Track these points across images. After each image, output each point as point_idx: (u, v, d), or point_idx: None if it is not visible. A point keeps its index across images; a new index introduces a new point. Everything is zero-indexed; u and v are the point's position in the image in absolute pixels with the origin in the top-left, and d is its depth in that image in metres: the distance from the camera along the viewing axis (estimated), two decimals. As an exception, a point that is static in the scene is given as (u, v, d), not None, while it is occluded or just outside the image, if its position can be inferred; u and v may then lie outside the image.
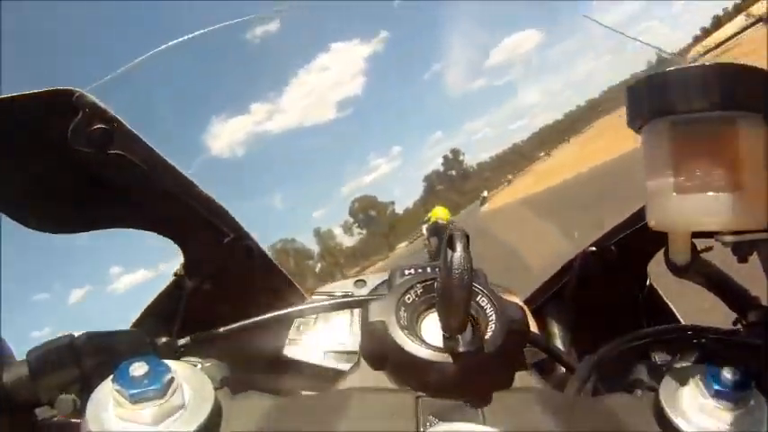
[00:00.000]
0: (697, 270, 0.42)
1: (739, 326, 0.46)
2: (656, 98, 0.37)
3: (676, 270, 0.42)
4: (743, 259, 0.40)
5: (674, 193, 0.37)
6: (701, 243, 0.43)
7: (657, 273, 0.65)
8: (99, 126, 0.45)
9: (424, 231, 9.77)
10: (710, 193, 0.36)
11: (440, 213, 9.68)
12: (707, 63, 0.37)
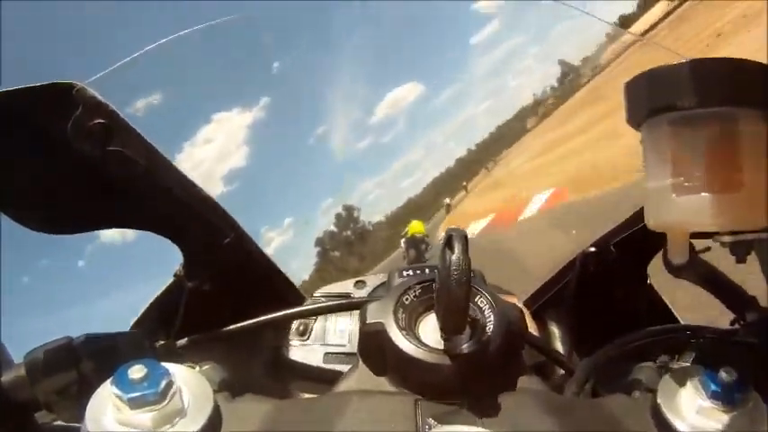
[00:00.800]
0: (695, 270, 0.42)
1: (737, 326, 0.46)
2: (656, 94, 0.37)
3: (674, 270, 0.42)
4: (741, 259, 0.40)
5: (673, 194, 0.37)
6: (699, 243, 0.43)
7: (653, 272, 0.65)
8: (99, 121, 0.44)
9: (402, 245, 10.66)
10: (709, 194, 0.36)
11: (416, 228, 10.81)
12: (707, 58, 0.36)
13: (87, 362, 0.37)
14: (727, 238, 0.39)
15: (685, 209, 0.37)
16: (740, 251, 0.40)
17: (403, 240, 10.86)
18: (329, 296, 0.69)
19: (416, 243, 10.31)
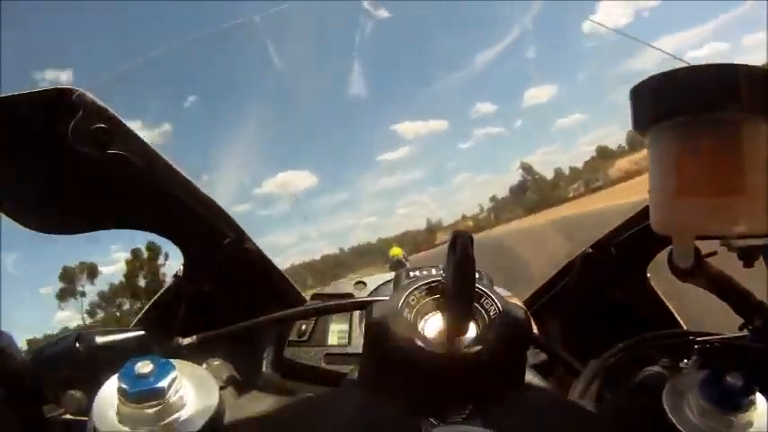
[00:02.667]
0: (701, 274, 0.42)
1: (745, 331, 0.46)
2: (660, 100, 0.37)
3: (680, 274, 0.42)
4: (749, 264, 0.40)
5: (678, 197, 0.37)
6: (705, 246, 0.43)
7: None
8: (99, 125, 0.44)
9: (389, 267, 11.13)
10: (713, 198, 0.36)
11: (396, 252, 10.99)
12: (711, 64, 0.36)
13: (94, 356, 0.37)
14: (735, 243, 0.38)
15: (690, 212, 0.37)
16: (748, 255, 0.39)
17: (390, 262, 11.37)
18: (329, 297, 0.69)
19: (398, 263, 10.58)
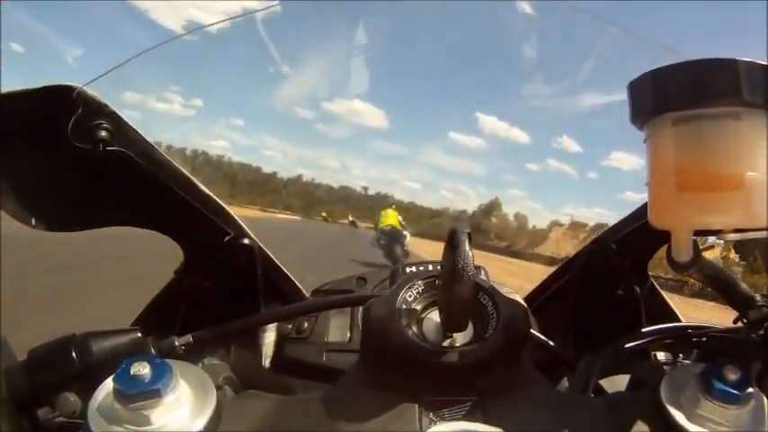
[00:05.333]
0: (699, 268, 0.42)
1: (740, 324, 0.46)
2: (659, 94, 0.37)
3: (678, 268, 0.42)
4: (745, 257, 0.40)
5: (677, 192, 0.37)
6: (703, 241, 0.43)
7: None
8: (99, 122, 0.44)
9: (376, 240, 9.76)
10: (713, 192, 0.36)
11: (391, 218, 9.74)
12: (709, 58, 0.36)
13: (89, 359, 0.37)
14: (731, 236, 0.38)
15: (689, 206, 0.37)
16: (744, 249, 0.39)
17: (377, 234, 9.80)
18: (330, 293, 0.69)
19: (391, 238, 9.24)
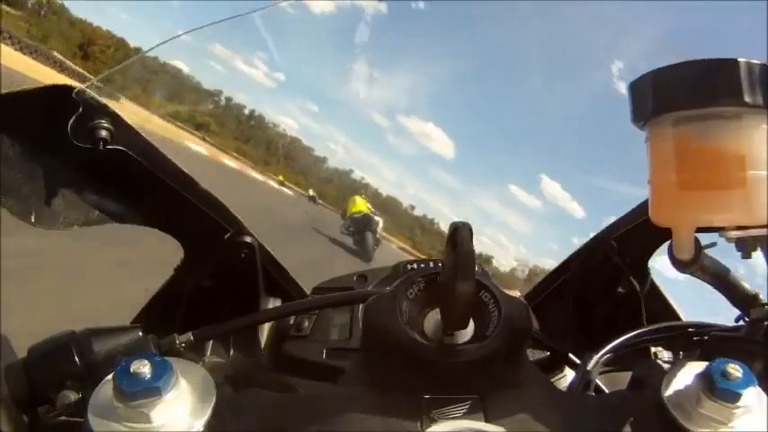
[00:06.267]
0: (700, 266, 0.42)
1: (742, 323, 0.46)
2: (660, 94, 0.37)
3: (680, 266, 0.42)
4: (747, 255, 0.40)
5: (679, 190, 0.37)
6: (704, 239, 0.43)
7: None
8: (99, 121, 0.45)
9: (344, 229, 9.15)
10: (715, 190, 0.36)
11: (359, 206, 9.18)
12: (711, 58, 0.36)
13: (90, 356, 0.36)
14: (733, 234, 0.38)
15: (690, 204, 0.37)
16: (746, 247, 0.40)
17: (345, 222, 9.13)
18: (330, 291, 0.69)
19: (362, 225, 8.60)
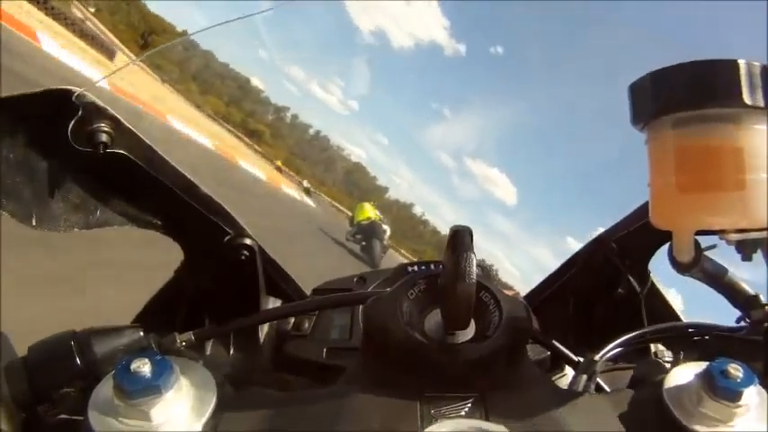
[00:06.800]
0: (701, 268, 0.42)
1: (742, 323, 0.46)
2: (660, 96, 0.37)
3: (680, 268, 0.42)
4: (747, 257, 0.40)
5: (679, 192, 0.37)
6: (704, 241, 0.43)
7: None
8: (99, 125, 0.45)
9: (350, 236, 8.98)
10: (715, 192, 0.36)
11: (366, 212, 9.07)
12: (711, 60, 0.36)
13: (90, 355, 0.37)
14: (733, 237, 0.39)
15: (690, 207, 0.37)
16: (746, 249, 0.40)
17: (351, 229, 9.06)
18: (330, 292, 0.69)
19: (370, 233, 8.56)
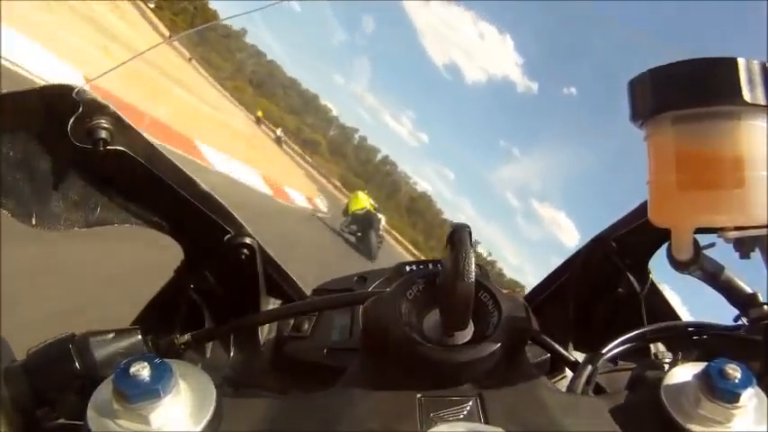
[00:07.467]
0: (700, 266, 0.42)
1: (741, 323, 0.46)
2: (659, 93, 0.37)
3: (679, 266, 0.42)
4: (745, 255, 0.40)
5: (678, 190, 0.37)
6: (703, 239, 0.43)
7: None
8: (99, 121, 0.45)
9: (345, 227, 8.72)
10: (714, 190, 0.36)
11: (359, 202, 8.79)
12: (711, 57, 0.36)
13: (89, 358, 0.36)
14: (731, 234, 0.39)
15: (689, 205, 0.37)
16: (744, 247, 0.40)
17: (346, 219, 8.76)
18: (330, 291, 0.69)
19: (365, 223, 8.28)
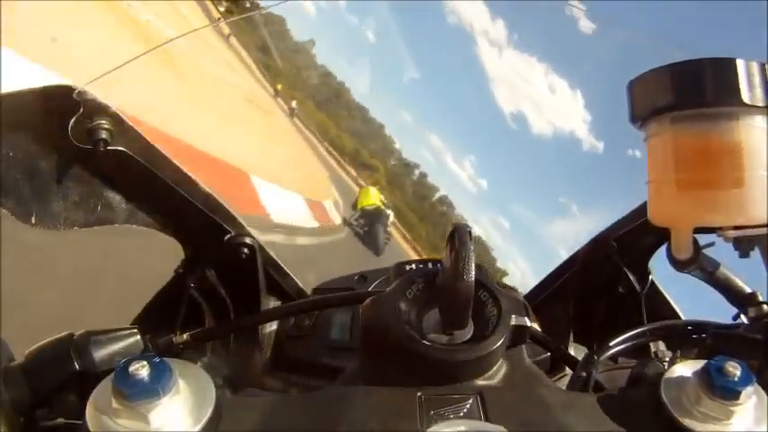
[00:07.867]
0: (699, 265, 0.42)
1: (740, 321, 0.46)
2: (659, 93, 0.37)
3: (679, 265, 0.43)
4: (744, 254, 0.40)
5: (677, 190, 0.37)
6: (702, 238, 0.43)
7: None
8: (100, 121, 0.45)
9: (354, 221, 8.44)
10: (713, 190, 0.36)
11: (368, 198, 8.57)
12: (710, 58, 0.36)
13: (88, 358, 0.36)
14: (731, 234, 0.39)
15: (689, 204, 0.37)
16: (743, 246, 0.40)
17: (354, 213, 8.49)
18: (330, 290, 0.69)
19: (374, 219, 8.05)
